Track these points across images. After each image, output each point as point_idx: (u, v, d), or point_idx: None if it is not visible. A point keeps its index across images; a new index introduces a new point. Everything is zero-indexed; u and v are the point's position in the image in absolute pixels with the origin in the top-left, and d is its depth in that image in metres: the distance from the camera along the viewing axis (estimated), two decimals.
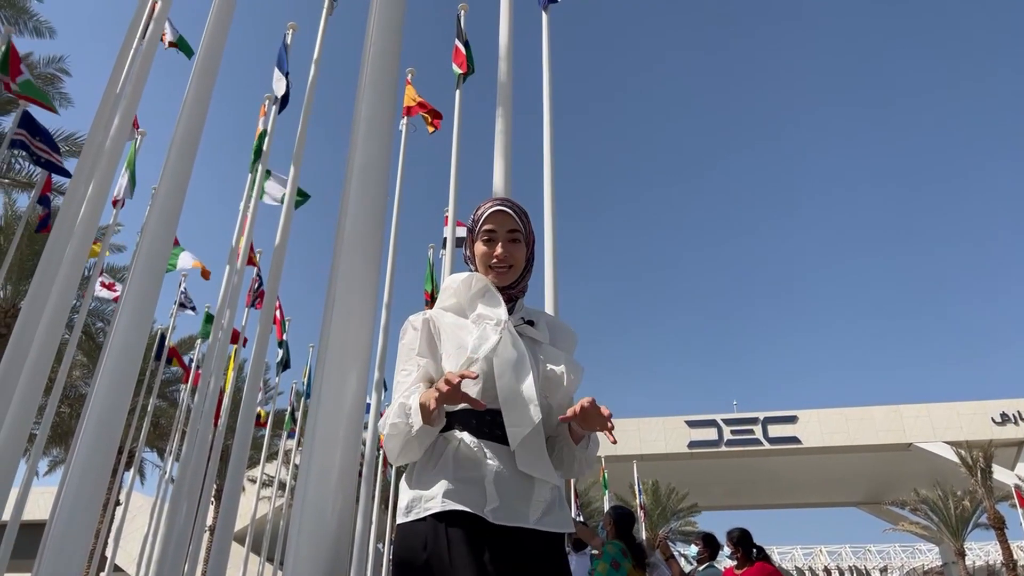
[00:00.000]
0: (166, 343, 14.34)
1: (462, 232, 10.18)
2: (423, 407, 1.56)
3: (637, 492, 28.57)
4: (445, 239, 9.31)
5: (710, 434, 38.70)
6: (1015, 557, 31.09)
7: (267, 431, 18.96)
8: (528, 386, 1.63)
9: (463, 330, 1.74)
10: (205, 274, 11.46)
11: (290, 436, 19.29)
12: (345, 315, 1.70)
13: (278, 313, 13.38)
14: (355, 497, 1.58)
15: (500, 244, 1.80)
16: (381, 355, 9.61)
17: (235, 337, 9.30)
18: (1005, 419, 36.42)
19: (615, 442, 1.61)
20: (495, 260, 1.80)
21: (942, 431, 36.44)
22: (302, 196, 9.26)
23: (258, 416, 16.82)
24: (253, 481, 20.65)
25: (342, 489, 1.53)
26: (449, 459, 1.61)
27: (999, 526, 30.45)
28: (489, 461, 1.60)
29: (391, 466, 19.92)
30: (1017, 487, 30.64)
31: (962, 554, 33.12)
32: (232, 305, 8.02)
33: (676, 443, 38.07)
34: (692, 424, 39.25)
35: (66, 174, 8.46)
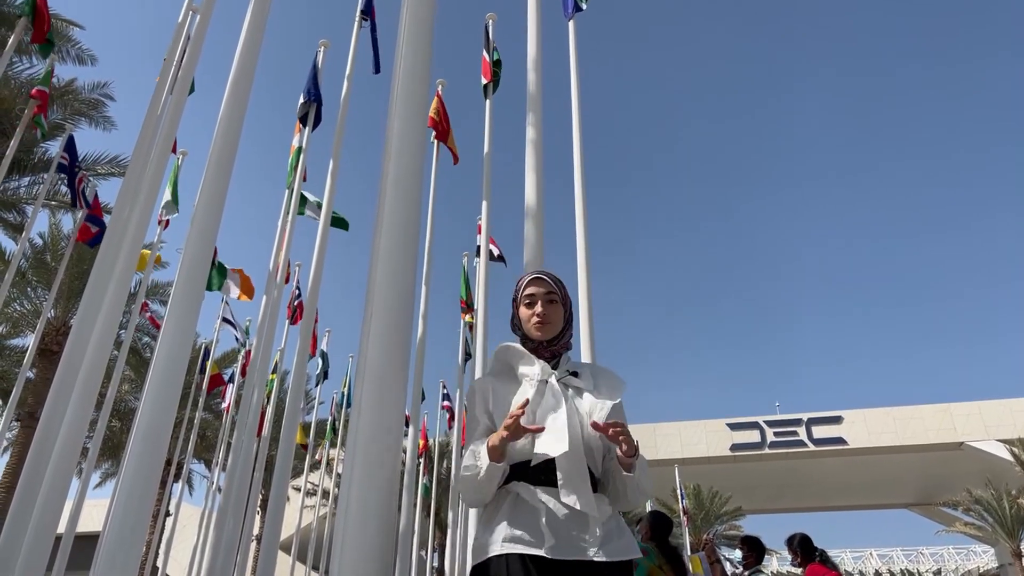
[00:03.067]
0: (210, 358, 14.65)
1: (494, 249, 10.23)
2: (490, 448, 1.82)
3: (679, 496, 28.24)
4: (479, 247, 9.36)
5: (753, 436, 38.07)
6: None
7: (311, 441, 19.22)
8: (563, 421, 1.85)
9: (510, 391, 2.02)
10: (249, 292, 11.67)
11: (332, 446, 19.54)
12: (383, 326, 1.73)
13: (316, 325, 13.58)
14: (397, 505, 1.60)
15: (540, 304, 2.10)
16: (419, 365, 9.67)
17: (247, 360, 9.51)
18: None
19: (628, 457, 1.85)
20: (536, 319, 2.08)
21: (995, 429, 35.30)
22: (341, 223, 9.40)
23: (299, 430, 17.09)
24: (297, 490, 20.92)
25: (384, 497, 1.56)
26: (508, 507, 1.84)
27: None
28: (543, 504, 1.81)
29: (431, 474, 20.03)
30: None
31: (1019, 555, 31.99)
32: (272, 317, 8.17)
33: (718, 446, 37.55)
34: (734, 427, 38.67)
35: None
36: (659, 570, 4.19)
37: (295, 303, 11.13)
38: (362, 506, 1.54)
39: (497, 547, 1.78)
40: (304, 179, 8.79)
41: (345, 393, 17.71)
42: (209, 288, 11.20)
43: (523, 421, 1.80)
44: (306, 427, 20.84)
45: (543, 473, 1.85)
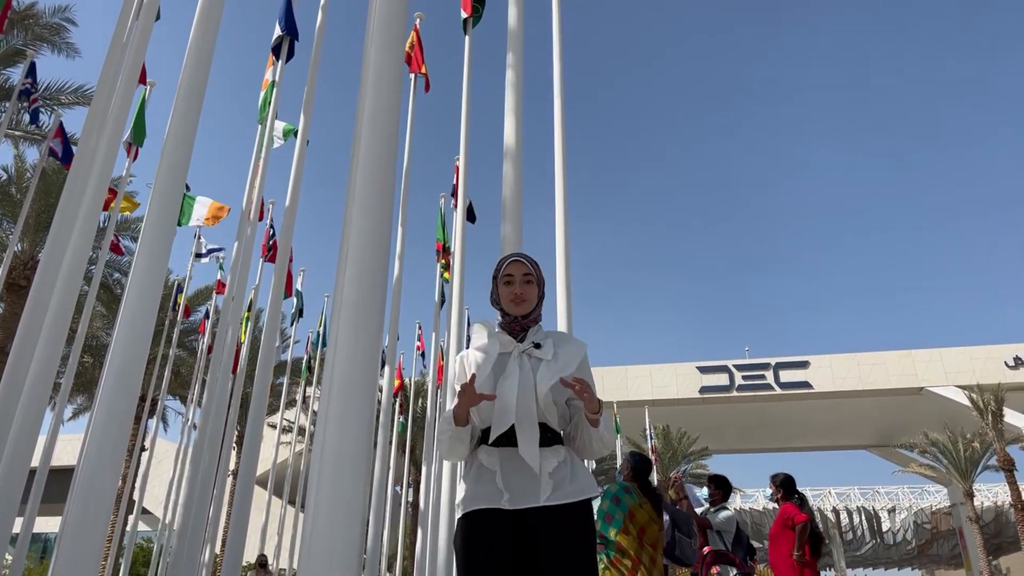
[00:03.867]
0: (183, 294, 14.50)
1: (466, 193, 10.10)
2: (455, 415, 2.14)
3: (648, 436, 28.97)
4: (456, 188, 9.26)
5: (721, 380, 38.96)
6: None
7: (285, 379, 19.29)
8: (510, 396, 2.17)
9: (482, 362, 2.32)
10: (217, 215, 11.36)
11: (308, 384, 19.66)
12: (359, 265, 1.71)
13: (291, 264, 13.47)
14: (372, 442, 1.62)
15: (517, 284, 2.37)
16: (395, 306, 9.67)
17: (219, 288, 9.38)
18: (1018, 363, 36.36)
19: (593, 413, 2.12)
20: (513, 296, 2.36)
21: (954, 375, 36.48)
22: (292, 133, 9.10)
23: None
24: (273, 427, 21.12)
25: (359, 434, 1.57)
26: (475, 471, 2.20)
27: (1009, 468, 30.72)
28: (500, 463, 2.15)
29: (407, 413, 20.29)
30: None
31: (970, 495, 33.54)
32: (246, 257, 8.08)
33: (688, 389, 38.41)
34: (704, 370, 39.51)
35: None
36: (639, 508, 4.35)
37: (270, 242, 10.99)
38: (337, 443, 1.55)
39: (467, 505, 2.13)
40: (276, 116, 8.58)
41: (321, 332, 17.72)
42: (181, 223, 10.98)
43: (483, 390, 2.14)
44: (282, 365, 20.89)
45: (504, 436, 2.16)
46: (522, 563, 2.04)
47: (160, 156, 3.54)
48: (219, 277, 13.88)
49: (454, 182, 9.43)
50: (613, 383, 37.03)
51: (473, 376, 2.14)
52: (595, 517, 2.78)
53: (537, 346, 2.32)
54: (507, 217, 4.35)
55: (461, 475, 2.26)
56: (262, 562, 13.58)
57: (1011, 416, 32.14)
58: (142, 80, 9.00)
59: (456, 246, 8.78)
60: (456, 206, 9.03)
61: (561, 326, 6.06)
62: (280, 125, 8.96)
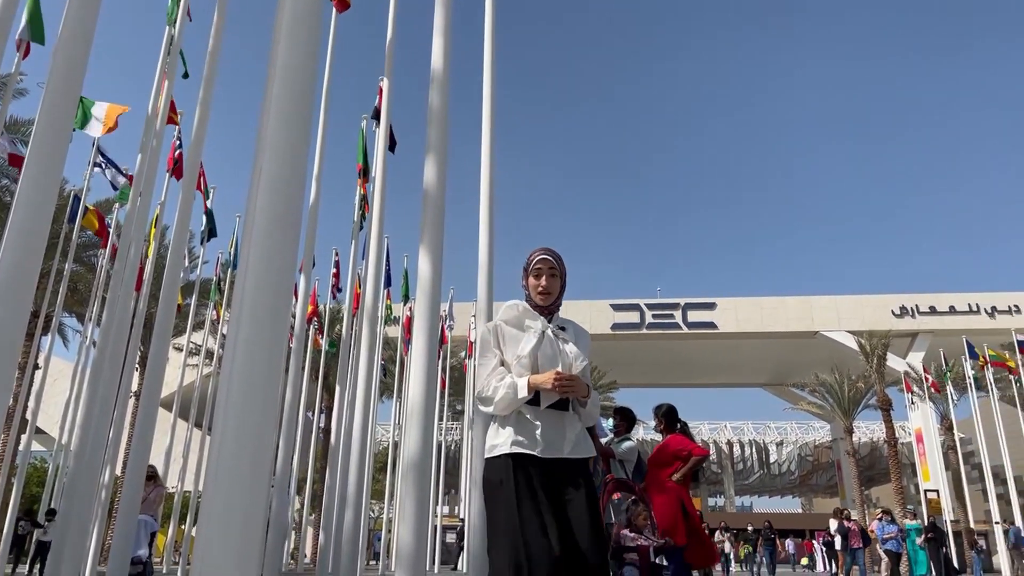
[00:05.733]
0: (81, 205, 13.60)
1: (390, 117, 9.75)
2: (531, 386, 2.64)
3: None
4: (378, 111, 8.95)
5: (633, 317, 40.25)
6: (897, 435, 34.34)
7: (194, 300, 18.62)
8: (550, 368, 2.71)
9: (517, 337, 2.81)
10: (111, 121, 10.49)
11: (217, 306, 19.04)
12: (273, 184, 1.63)
13: (202, 180, 12.81)
14: (283, 367, 1.58)
15: (544, 278, 2.87)
16: (311, 229, 9.39)
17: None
18: (904, 312, 39.10)
19: (584, 398, 2.71)
20: (540, 288, 2.86)
21: (847, 321, 38.92)
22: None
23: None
24: (180, 350, 20.45)
25: (270, 359, 1.53)
26: (515, 421, 2.68)
27: (886, 407, 33.40)
28: (538, 420, 2.67)
29: (322, 339, 20.04)
30: (906, 373, 33.40)
31: (850, 431, 36.37)
32: (151, 167, 7.62)
33: (600, 325, 39.48)
34: (616, 308, 40.66)
35: None
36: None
37: (176, 154, 10.35)
38: (247, 367, 1.51)
39: (506, 447, 2.63)
40: (189, 16, 7.99)
41: (232, 253, 17.08)
42: (77, 128, 10.20)
43: (526, 363, 2.71)
44: (190, 285, 20.12)
45: (536, 398, 2.69)
46: (549, 496, 2.61)
47: (53, 52, 3.25)
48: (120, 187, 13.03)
49: (377, 104, 9.11)
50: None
51: (566, 376, 2.64)
52: None
53: (562, 329, 2.85)
54: (431, 143, 4.25)
55: (496, 422, 2.76)
56: (150, 474, 13.29)
57: (892, 360, 34.74)
58: None
59: (377, 171, 8.55)
60: (378, 129, 8.76)
61: (482, 260, 6.05)
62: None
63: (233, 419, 1.47)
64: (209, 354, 21.16)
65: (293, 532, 28.54)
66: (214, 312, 19.22)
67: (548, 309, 2.88)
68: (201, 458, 18.66)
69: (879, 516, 18.10)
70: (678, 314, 40.63)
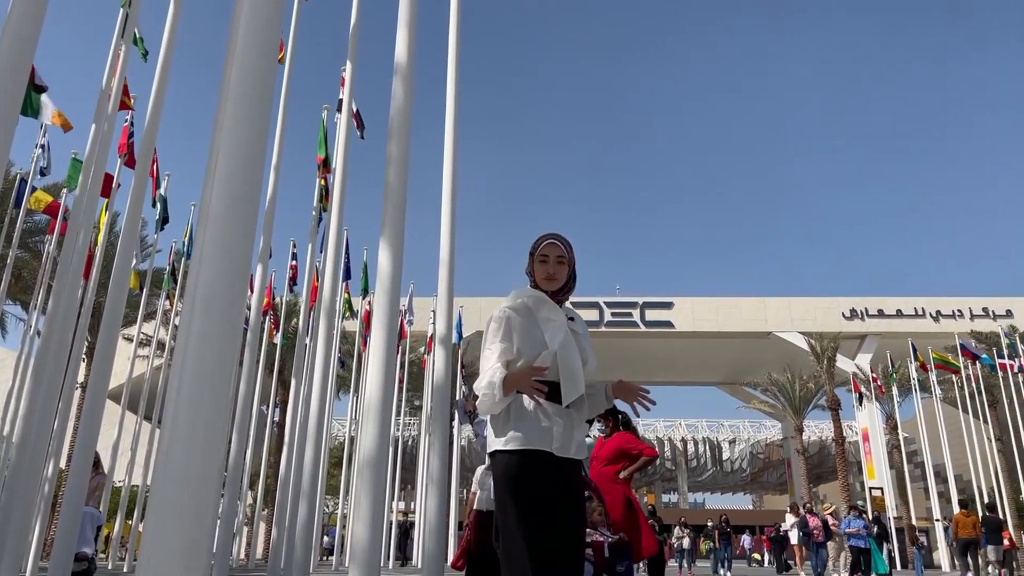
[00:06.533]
0: (27, 189, 13.14)
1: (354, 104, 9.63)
2: (507, 383, 2.49)
3: None
4: (341, 101, 8.83)
5: (592, 315, 40.56)
6: (844, 434, 35.32)
7: (145, 289, 18.15)
8: (578, 368, 2.65)
9: (531, 326, 2.67)
10: (66, 126, 10.28)
11: (169, 296, 18.59)
12: (230, 172, 1.59)
13: (155, 166, 12.48)
14: (237, 360, 1.55)
15: (551, 264, 2.75)
16: (268, 220, 9.24)
17: (107, 186, 8.54)
18: (854, 314, 40.18)
19: (646, 409, 2.79)
20: (547, 275, 2.74)
21: (799, 322, 39.84)
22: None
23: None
24: (129, 340, 19.92)
25: (223, 352, 1.50)
26: (529, 413, 2.57)
27: (835, 407, 34.32)
28: (556, 417, 2.58)
29: (277, 333, 19.72)
30: (854, 374, 34.37)
31: (800, 430, 37.28)
32: (103, 153, 7.38)
33: None
34: (575, 305, 40.64)
35: None
36: None
37: (130, 141, 10.05)
38: (199, 359, 1.47)
39: (530, 443, 2.51)
40: None
41: (186, 243, 16.69)
42: (24, 113, 9.85)
43: (546, 356, 2.59)
44: (142, 275, 19.59)
45: (559, 395, 2.59)
46: (561, 497, 2.57)
47: (1, 29, 3.12)
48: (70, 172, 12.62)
49: (340, 95, 8.98)
50: (485, 311, 37.59)
51: (540, 368, 2.53)
52: None
53: (571, 319, 2.79)
54: (393, 135, 4.21)
55: (512, 413, 2.60)
56: (94, 461, 12.95)
57: (842, 361, 35.69)
58: None
59: (338, 162, 8.44)
60: (340, 120, 8.64)
61: (444, 250, 6.03)
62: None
63: (184, 412, 1.44)
64: (160, 345, 20.66)
65: (245, 527, 28.08)
66: (167, 302, 18.77)
67: (556, 298, 2.78)
68: (150, 451, 18.23)
69: (830, 511, 18.46)
70: (636, 312, 41.08)
